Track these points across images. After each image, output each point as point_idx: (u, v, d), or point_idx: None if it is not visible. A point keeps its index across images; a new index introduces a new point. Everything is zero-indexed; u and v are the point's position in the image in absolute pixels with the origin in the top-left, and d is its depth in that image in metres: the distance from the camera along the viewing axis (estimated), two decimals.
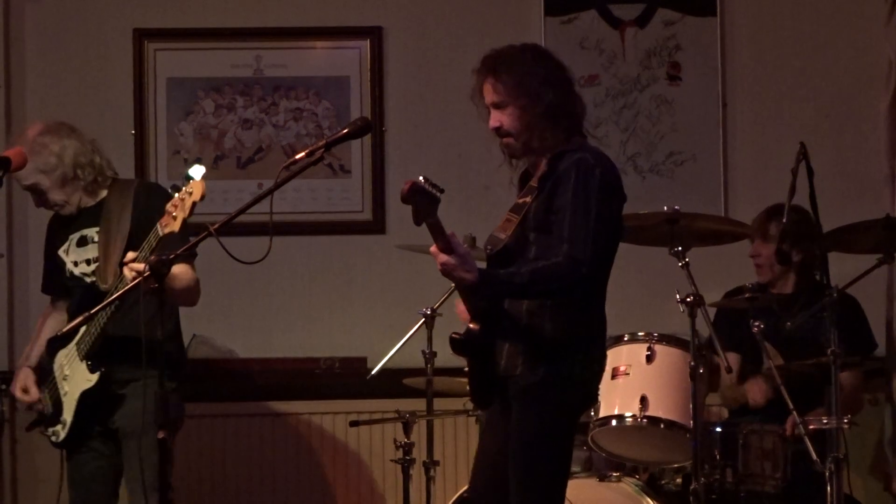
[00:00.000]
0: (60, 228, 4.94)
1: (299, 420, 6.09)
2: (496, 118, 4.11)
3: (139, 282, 3.98)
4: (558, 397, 3.99)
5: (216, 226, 3.90)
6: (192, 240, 4.00)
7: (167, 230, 4.23)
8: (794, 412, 4.84)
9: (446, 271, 3.87)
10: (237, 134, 6.23)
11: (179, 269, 4.54)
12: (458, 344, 3.99)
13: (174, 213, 4.17)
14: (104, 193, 4.85)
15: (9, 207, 6.08)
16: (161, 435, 3.86)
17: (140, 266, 4.33)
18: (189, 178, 4.11)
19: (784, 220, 5.21)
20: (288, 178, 4.00)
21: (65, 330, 4.43)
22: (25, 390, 4.87)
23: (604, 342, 4.13)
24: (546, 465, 3.98)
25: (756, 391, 5.36)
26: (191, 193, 4.13)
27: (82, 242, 4.84)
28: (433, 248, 3.87)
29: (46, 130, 4.84)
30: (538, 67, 4.12)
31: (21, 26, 6.19)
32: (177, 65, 6.21)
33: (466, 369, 4.13)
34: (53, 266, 4.95)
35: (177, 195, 4.18)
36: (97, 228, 4.79)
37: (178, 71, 6.21)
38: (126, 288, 4.15)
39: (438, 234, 3.84)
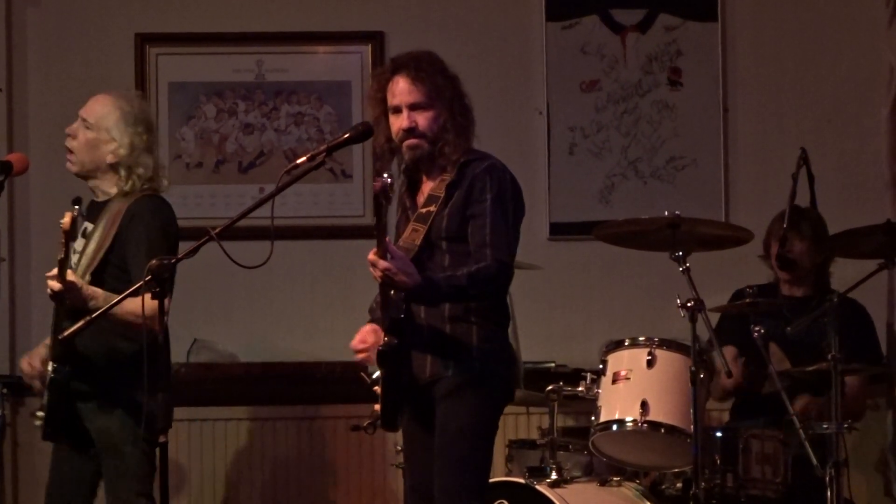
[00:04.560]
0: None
1: (300, 425, 6.09)
2: (411, 118, 4.16)
3: (141, 286, 3.96)
4: (489, 393, 4.16)
5: (218, 230, 3.89)
6: (194, 244, 4.00)
7: (59, 256, 4.28)
8: (795, 418, 4.85)
9: (388, 277, 3.91)
10: (238, 138, 6.24)
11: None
12: (385, 356, 4.05)
13: (62, 240, 4.20)
14: (114, 192, 4.80)
15: (10, 212, 6.08)
16: (163, 439, 3.85)
17: (57, 286, 4.35)
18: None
19: (785, 225, 5.22)
20: (289, 183, 4.01)
21: (67, 333, 4.42)
22: (31, 364, 4.80)
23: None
24: (480, 455, 4.14)
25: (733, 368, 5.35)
26: (62, 223, 4.19)
27: (83, 234, 4.82)
28: (371, 256, 3.92)
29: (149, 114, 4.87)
30: (450, 75, 4.24)
31: (23, 31, 6.20)
32: (178, 69, 6.22)
33: (378, 391, 4.16)
34: None
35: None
36: (91, 227, 4.76)
37: (179, 75, 6.22)
38: (125, 294, 4.13)
39: (382, 237, 3.91)
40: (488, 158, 4.22)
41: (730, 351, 5.27)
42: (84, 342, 4.51)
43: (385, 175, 3.91)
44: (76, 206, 4.47)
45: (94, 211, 4.78)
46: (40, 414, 4.73)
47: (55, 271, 4.40)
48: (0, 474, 5.91)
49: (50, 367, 4.61)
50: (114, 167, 4.75)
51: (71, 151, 4.78)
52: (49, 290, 4.43)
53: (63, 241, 4.34)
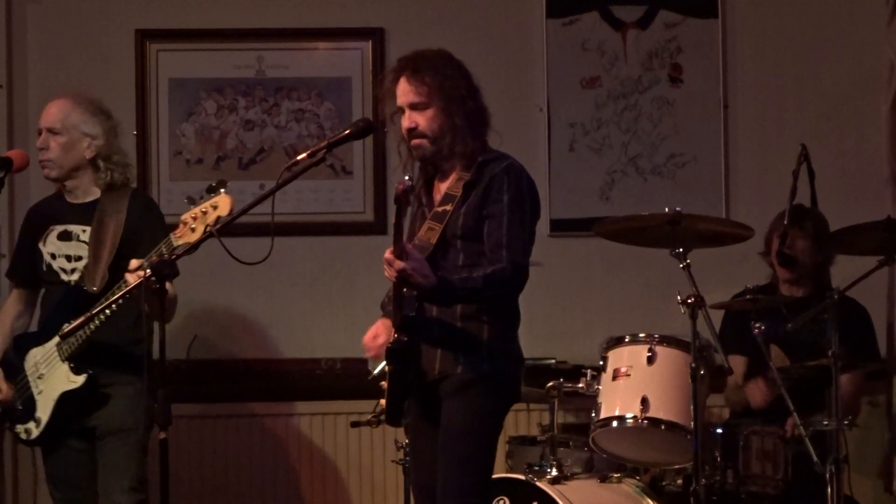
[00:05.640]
0: (39, 220, 4.91)
1: (300, 421, 6.09)
2: (412, 119, 4.18)
3: (141, 284, 3.96)
4: (496, 392, 4.17)
5: (218, 226, 3.92)
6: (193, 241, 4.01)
7: (182, 241, 4.23)
8: (795, 413, 4.85)
9: (404, 277, 3.92)
10: (239, 135, 6.24)
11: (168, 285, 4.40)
12: (395, 352, 4.07)
13: (192, 225, 4.17)
14: (97, 194, 4.82)
15: (10, 208, 6.08)
16: (162, 435, 3.85)
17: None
18: (213, 190, 4.11)
19: (785, 222, 5.22)
20: (290, 179, 4.01)
21: (68, 329, 4.41)
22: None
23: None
24: (483, 453, 4.15)
25: (756, 393, 5.37)
26: (216, 207, 4.13)
27: (65, 237, 4.81)
28: (388, 255, 3.93)
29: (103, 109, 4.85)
30: (459, 73, 4.23)
31: (23, 27, 6.19)
32: (179, 65, 6.22)
33: (385, 386, 4.19)
34: (27, 257, 4.92)
35: (197, 207, 4.18)
36: (84, 227, 4.75)
37: (179, 72, 6.22)
38: (124, 291, 4.14)
39: (399, 237, 3.93)
40: (507, 158, 4.21)
41: (738, 361, 5.28)
42: (99, 336, 4.53)
43: (406, 178, 3.93)
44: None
45: (77, 212, 4.78)
46: (25, 427, 4.72)
47: (136, 262, 4.39)
48: (0, 474, 5.91)
49: (71, 377, 4.64)
50: (93, 161, 4.78)
51: (47, 161, 4.80)
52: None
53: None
